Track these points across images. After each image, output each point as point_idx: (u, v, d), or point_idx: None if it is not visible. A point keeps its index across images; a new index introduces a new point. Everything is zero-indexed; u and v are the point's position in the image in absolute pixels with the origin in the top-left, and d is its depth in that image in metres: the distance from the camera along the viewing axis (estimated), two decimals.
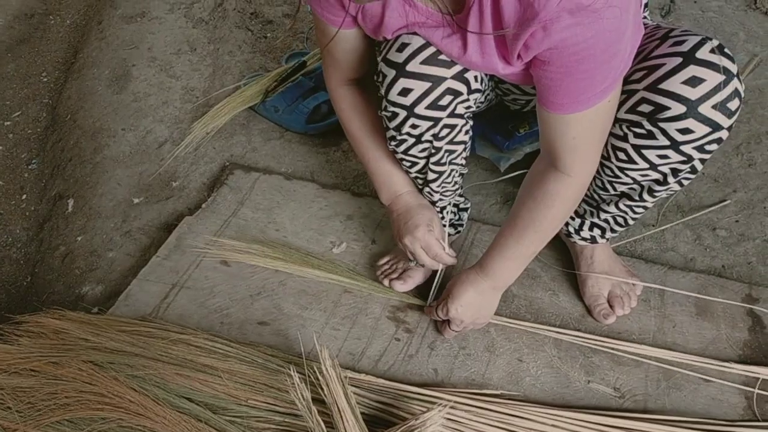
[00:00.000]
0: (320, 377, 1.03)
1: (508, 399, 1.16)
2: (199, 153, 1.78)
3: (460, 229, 1.40)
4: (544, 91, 0.94)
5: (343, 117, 1.21)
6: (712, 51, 0.93)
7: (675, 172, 1.03)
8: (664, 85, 0.94)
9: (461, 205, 1.39)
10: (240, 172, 1.67)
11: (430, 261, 1.21)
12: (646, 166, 1.03)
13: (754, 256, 1.40)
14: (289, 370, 1.04)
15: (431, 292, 1.29)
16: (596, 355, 1.22)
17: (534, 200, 1.05)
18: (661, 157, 1.01)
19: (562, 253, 1.39)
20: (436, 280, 1.28)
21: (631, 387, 1.18)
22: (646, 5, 1.22)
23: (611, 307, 1.28)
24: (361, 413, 1.11)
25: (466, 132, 1.14)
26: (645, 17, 1.22)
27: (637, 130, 1.00)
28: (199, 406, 1.13)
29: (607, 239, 1.29)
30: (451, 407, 1.12)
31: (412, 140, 1.11)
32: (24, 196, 1.90)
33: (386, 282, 1.34)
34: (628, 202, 1.15)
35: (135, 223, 1.63)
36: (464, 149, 1.18)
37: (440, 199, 1.26)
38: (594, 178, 1.16)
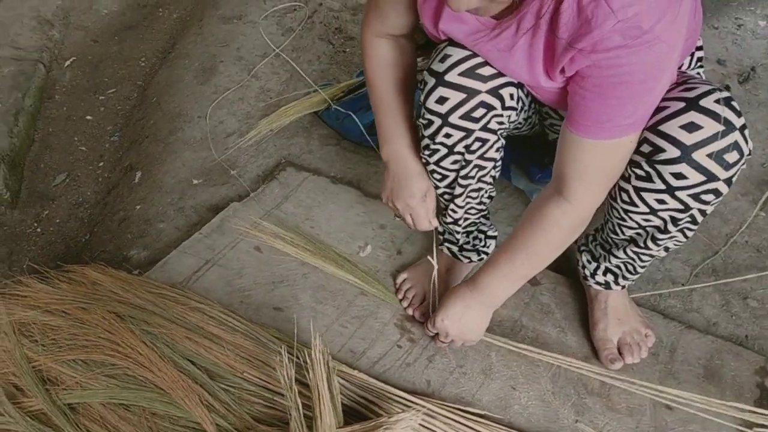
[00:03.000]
0: (308, 359, 1.08)
1: (492, 421, 1.17)
2: (261, 147, 1.89)
3: (483, 256, 1.42)
4: (573, 110, 0.97)
5: (370, 68, 1.21)
6: (717, 101, 0.93)
7: (674, 220, 1.03)
8: (663, 127, 0.95)
9: (489, 233, 1.41)
10: (292, 170, 1.76)
11: (414, 226, 1.26)
12: (646, 210, 1.04)
13: None
14: (281, 349, 1.10)
15: (429, 308, 1.32)
16: (590, 398, 1.22)
17: (532, 222, 1.08)
18: (659, 201, 1.01)
19: (581, 295, 1.39)
20: (432, 295, 1.32)
21: None
22: (700, 60, 1.22)
23: (621, 354, 1.27)
24: (345, 405, 1.15)
25: (498, 150, 1.18)
26: (699, 74, 1.23)
27: (638, 171, 1.01)
28: (200, 370, 1.21)
29: (622, 286, 1.28)
30: (432, 417, 1.14)
31: (444, 150, 1.16)
32: (101, 164, 2.06)
33: (410, 311, 1.38)
34: (635, 249, 1.15)
35: (189, 202, 1.75)
36: (494, 167, 1.21)
37: (464, 218, 1.29)
38: (606, 221, 1.17)
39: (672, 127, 0.94)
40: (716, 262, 1.49)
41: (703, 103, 0.94)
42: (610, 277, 1.26)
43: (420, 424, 1.13)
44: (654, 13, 0.81)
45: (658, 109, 0.96)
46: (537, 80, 1.00)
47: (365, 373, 1.24)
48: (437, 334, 1.26)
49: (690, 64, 1.20)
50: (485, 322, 1.23)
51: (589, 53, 0.87)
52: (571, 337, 1.33)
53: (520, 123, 1.24)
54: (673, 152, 0.95)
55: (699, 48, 1.21)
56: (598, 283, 1.29)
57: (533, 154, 1.41)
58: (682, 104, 0.95)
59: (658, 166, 0.97)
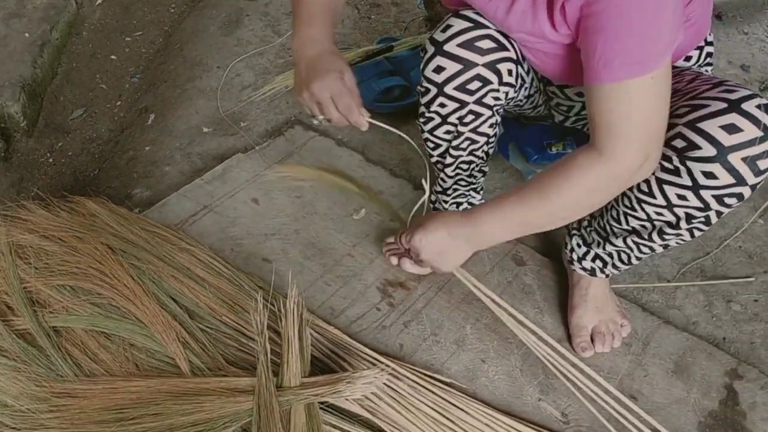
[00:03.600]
0: (282, 308, 1.11)
1: (457, 390, 1.20)
2: (273, 104, 1.91)
3: None
4: (590, 56, 0.92)
5: None
6: (759, 107, 0.92)
7: (689, 218, 1.03)
8: (702, 125, 0.94)
9: None
10: (299, 128, 1.78)
11: (338, 115, 1.08)
12: (664, 203, 1.03)
13: (759, 338, 1.35)
14: (257, 296, 1.13)
15: (409, 218, 1.31)
16: (557, 379, 1.23)
17: (556, 168, 1.02)
18: (680, 197, 1.00)
19: (565, 280, 1.40)
20: (416, 207, 1.30)
21: (579, 417, 1.18)
22: (710, 56, 1.21)
23: (593, 341, 1.29)
24: (316, 357, 1.19)
25: (491, 126, 1.19)
26: (707, 71, 1.22)
27: (665, 164, 1.00)
28: (181, 308, 1.25)
29: (607, 275, 1.29)
30: (398, 379, 1.17)
31: (438, 120, 1.17)
32: (119, 103, 2.10)
33: (394, 260, 1.40)
34: (636, 239, 1.14)
35: (197, 148, 1.78)
36: (486, 143, 1.22)
37: (453, 189, 1.30)
38: (611, 208, 1.15)
39: (712, 126, 0.93)
40: (706, 263, 1.49)
41: (745, 106, 0.93)
42: (597, 264, 1.27)
43: (385, 384, 1.16)
44: None
45: (698, 106, 0.96)
46: (541, 30, 1.00)
47: (341, 331, 1.27)
48: (405, 252, 1.25)
49: (699, 58, 1.19)
50: (463, 258, 1.16)
51: None
52: (547, 318, 1.34)
53: (520, 101, 1.24)
54: (709, 151, 0.94)
55: (709, 43, 1.20)
56: (583, 269, 1.29)
57: (531, 136, 1.41)
58: (723, 105, 0.94)
59: (690, 163, 0.96)
